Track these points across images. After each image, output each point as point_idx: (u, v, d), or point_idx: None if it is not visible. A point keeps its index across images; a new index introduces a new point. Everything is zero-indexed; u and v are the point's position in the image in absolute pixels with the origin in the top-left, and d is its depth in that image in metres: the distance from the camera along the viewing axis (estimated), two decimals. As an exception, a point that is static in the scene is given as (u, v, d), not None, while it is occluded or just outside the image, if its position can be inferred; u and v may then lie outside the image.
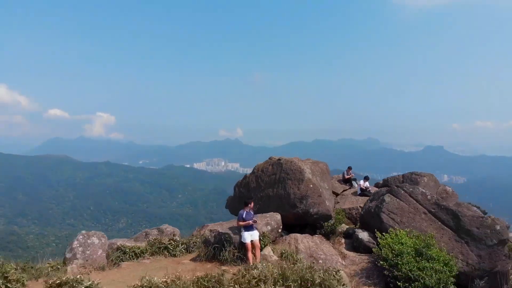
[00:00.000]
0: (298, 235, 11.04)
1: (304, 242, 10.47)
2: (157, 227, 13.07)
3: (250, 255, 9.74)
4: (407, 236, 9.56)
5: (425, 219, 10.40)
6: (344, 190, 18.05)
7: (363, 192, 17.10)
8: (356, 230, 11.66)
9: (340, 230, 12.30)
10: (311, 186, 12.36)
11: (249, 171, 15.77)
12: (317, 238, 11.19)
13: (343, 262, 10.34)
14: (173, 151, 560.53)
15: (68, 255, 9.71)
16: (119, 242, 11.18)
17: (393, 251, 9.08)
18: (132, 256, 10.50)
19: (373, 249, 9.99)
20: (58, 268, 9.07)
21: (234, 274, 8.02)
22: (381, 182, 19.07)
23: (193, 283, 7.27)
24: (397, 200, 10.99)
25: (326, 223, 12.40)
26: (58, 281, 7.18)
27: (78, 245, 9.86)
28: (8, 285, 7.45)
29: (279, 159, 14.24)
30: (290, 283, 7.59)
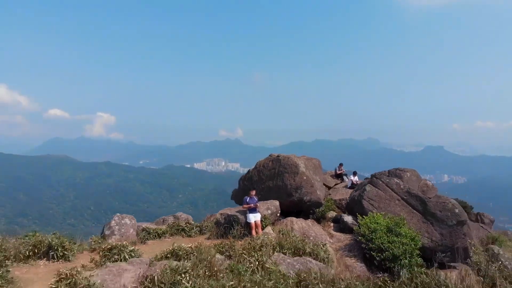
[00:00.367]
0: (294, 218, 13.09)
1: (298, 223, 12.50)
2: (173, 214, 15.07)
3: (253, 232, 11.81)
4: (382, 218, 11.58)
5: (398, 204, 12.42)
6: (336, 184, 20.14)
7: (353, 185, 19.13)
8: (343, 215, 13.70)
9: (329, 216, 14.35)
10: (305, 178, 14.46)
11: (249, 171, 17.64)
12: (309, 221, 13.23)
13: (331, 240, 12.32)
14: (173, 151, 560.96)
15: (107, 232, 11.71)
16: (144, 225, 13.17)
17: (369, 229, 11.07)
18: (155, 235, 12.47)
19: (354, 228, 12.02)
20: (99, 242, 11.06)
21: (241, 244, 10.08)
22: (369, 177, 20.96)
23: (212, 247, 9.34)
24: (376, 189, 13.02)
25: (317, 209, 14.48)
26: (109, 246, 9.24)
27: (115, 224, 11.87)
28: (65, 252, 9.46)
29: (278, 156, 16.25)
30: (286, 250, 9.66)
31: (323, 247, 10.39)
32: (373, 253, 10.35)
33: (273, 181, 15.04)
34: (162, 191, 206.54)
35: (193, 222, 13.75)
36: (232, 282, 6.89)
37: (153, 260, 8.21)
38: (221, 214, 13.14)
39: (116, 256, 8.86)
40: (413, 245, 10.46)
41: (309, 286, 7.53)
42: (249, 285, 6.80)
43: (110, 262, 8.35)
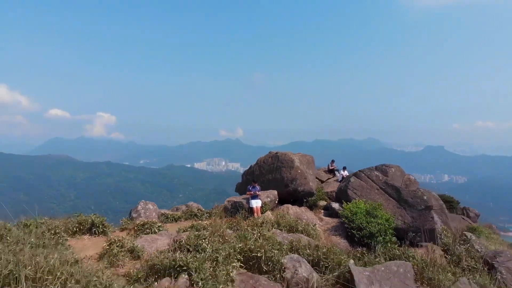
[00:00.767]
0: (289, 205, 15.34)
1: (293, 209, 14.73)
2: (185, 204, 17.30)
3: (255, 215, 14.04)
4: (363, 203, 13.78)
5: (377, 193, 14.65)
6: (328, 178, 22.42)
7: (343, 179, 21.36)
8: (331, 203, 15.96)
9: (320, 204, 16.58)
10: (299, 171, 16.76)
11: (249, 171, 19.84)
12: (303, 208, 15.46)
13: (320, 223, 14.55)
14: (173, 151, 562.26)
15: (134, 215, 13.95)
16: (162, 211, 15.46)
17: (351, 212, 13.29)
18: (172, 219, 14.68)
19: (339, 212, 14.25)
20: (128, 223, 13.27)
21: (246, 222, 12.31)
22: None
23: (223, 224, 11.59)
24: (359, 180, 15.26)
25: (310, 198, 16.76)
26: (141, 223, 11.50)
27: (141, 208, 14.13)
28: (104, 229, 11.67)
29: (276, 153, 18.62)
30: (282, 228, 11.93)
31: (313, 226, 12.64)
32: (353, 231, 12.58)
33: (272, 174, 17.36)
34: (163, 191, 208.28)
35: (203, 209, 15.98)
36: (240, 245, 9.14)
37: (178, 232, 10.44)
38: (228, 201, 15.44)
39: (147, 230, 11.14)
40: (387, 225, 12.69)
41: (299, 250, 9.78)
42: (253, 246, 9.04)
43: (143, 234, 10.60)
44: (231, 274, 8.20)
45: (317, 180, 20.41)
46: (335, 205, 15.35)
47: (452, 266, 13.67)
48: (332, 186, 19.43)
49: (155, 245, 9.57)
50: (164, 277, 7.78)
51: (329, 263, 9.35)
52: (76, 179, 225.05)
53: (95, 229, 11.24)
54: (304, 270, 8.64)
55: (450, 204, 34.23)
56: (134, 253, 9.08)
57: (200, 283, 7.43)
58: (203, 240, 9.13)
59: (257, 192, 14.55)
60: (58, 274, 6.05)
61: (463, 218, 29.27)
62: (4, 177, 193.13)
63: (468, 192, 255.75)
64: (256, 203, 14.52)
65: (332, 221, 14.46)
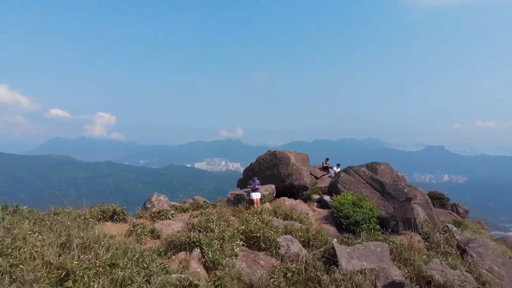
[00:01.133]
0: (286, 198, 17.07)
1: (289, 201, 16.45)
2: (192, 197, 19.02)
3: (255, 206, 15.74)
4: (351, 196, 15.50)
5: (364, 187, 16.38)
6: (322, 175, 24.17)
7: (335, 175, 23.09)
8: (324, 196, 17.70)
9: (314, 197, 18.31)
10: (295, 168, 18.51)
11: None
12: (298, 201, 17.20)
13: (313, 213, 16.27)
14: (173, 151, 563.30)
15: (148, 205, 15.67)
16: (172, 203, 17.18)
17: (340, 203, 15.01)
18: (181, 210, 16.40)
19: (330, 204, 15.98)
20: (144, 212, 14.99)
21: (247, 211, 14.07)
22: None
23: (228, 212, 13.35)
24: (348, 175, 17.00)
25: (304, 192, 18.50)
26: (157, 211, 13.26)
27: (154, 199, 15.85)
28: (125, 216, 13.38)
29: (274, 151, 20.40)
30: (278, 216, 13.68)
31: (306, 215, 14.39)
32: (341, 220, 14.33)
33: (271, 170, 19.13)
34: (163, 191, 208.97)
35: (208, 202, 17.71)
36: (242, 227, 10.90)
37: (190, 217, 12.18)
38: (231, 194, 17.21)
39: (163, 217, 12.90)
40: (370, 214, 14.43)
41: (292, 232, 11.54)
42: (253, 228, 10.81)
43: (159, 220, 12.34)
44: (235, 250, 9.98)
45: (312, 176, 22.19)
46: (327, 198, 17.10)
47: (429, 251, 15.41)
48: (325, 182, 21.17)
49: (170, 228, 11.32)
50: (181, 251, 9.55)
51: (317, 243, 11.12)
52: (76, 179, 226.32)
53: (116, 217, 12.97)
54: (296, 247, 10.41)
55: (441, 200, 35.99)
56: (154, 234, 10.85)
57: (210, 255, 9.20)
58: (212, 223, 10.89)
59: (256, 185, 16.28)
60: (102, 243, 7.81)
61: (450, 213, 31.05)
62: (5, 177, 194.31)
63: (468, 192, 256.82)
64: (256, 196, 16.20)
65: (324, 212, 16.20)
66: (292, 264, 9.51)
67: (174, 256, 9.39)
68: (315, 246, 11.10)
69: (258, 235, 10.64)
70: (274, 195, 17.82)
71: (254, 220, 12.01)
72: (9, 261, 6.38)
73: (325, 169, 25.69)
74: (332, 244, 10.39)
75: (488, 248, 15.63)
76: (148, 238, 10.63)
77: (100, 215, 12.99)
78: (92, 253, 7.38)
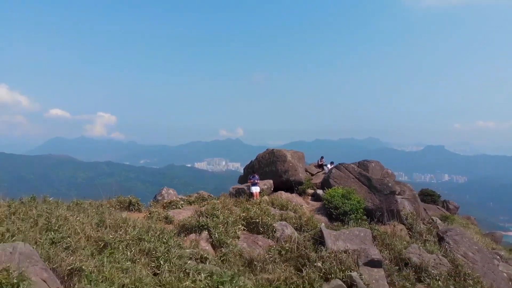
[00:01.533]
0: (283, 192, 18.80)
1: (285, 194, 18.15)
2: (196, 192, 20.69)
3: (255, 198, 17.41)
4: (341, 189, 17.20)
5: (353, 181, 18.07)
6: (317, 172, 25.90)
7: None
8: (317, 190, 19.41)
9: (309, 191, 20.02)
10: (291, 164, 20.25)
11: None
12: (293, 194, 18.90)
13: (307, 205, 17.96)
14: (174, 150, 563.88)
15: (159, 198, 17.35)
16: (180, 196, 18.87)
17: (330, 196, 16.71)
18: (188, 202, 18.09)
19: (322, 197, 17.68)
20: (156, 203, 16.67)
21: (247, 203, 15.80)
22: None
23: (231, 202, 15.06)
24: (339, 171, 18.71)
25: (300, 186, 20.21)
26: (168, 201, 14.98)
27: (164, 192, 17.54)
28: (139, 207, 15.06)
29: (272, 150, 22.25)
30: (275, 206, 15.41)
31: (300, 207, 16.10)
32: (332, 210, 16.04)
33: (269, 167, 20.91)
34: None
35: (212, 195, 19.40)
36: (243, 214, 12.61)
37: (198, 206, 13.90)
38: (233, 188, 18.94)
39: (173, 207, 14.60)
40: (358, 206, 16.15)
41: (287, 219, 13.27)
42: (253, 215, 12.53)
43: (170, 209, 14.05)
44: (237, 233, 11.72)
45: (308, 173, 23.95)
46: (320, 192, 18.80)
47: (412, 239, 17.12)
48: (320, 178, 22.85)
49: (181, 215, 13.03)
50: (191, 233, 11.27)
51: (308, 228, 12.86)
52: (77, 179, 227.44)
53: (132, 207, 14.68)
54: (289, 231, 12.13)
55: (432, 197, 37.77)
56: (167, 219, 12.57)
57: (216, 236, 10.93)
58: (217, 211, 12.62)
59: (256, 180, 17.98)
60: (129, 223, 9.54)
61: (439, 208, 32.81)
62: (5, 177, 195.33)
63: (468, 191, 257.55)
64: (255, 189, 17.83)
65: (317, 204, 17.89)
66: (285, 244, 11.24)
67: (186, 237, 11.10)
68: (306, 230, 12.83)
69: (257, 221, 12.37)
70: (272, 189, 19.55)
71: (253, 209, 13.72)
72: (59, 235, 8.08)
73: (320, 166, 27.38)
74: (321, 228, 12.11)
75: (464, 236, 17.29)
76: (162, 223, 12.33)
77: (118, 206, 14.68)
78: (122, 230, 9.10)
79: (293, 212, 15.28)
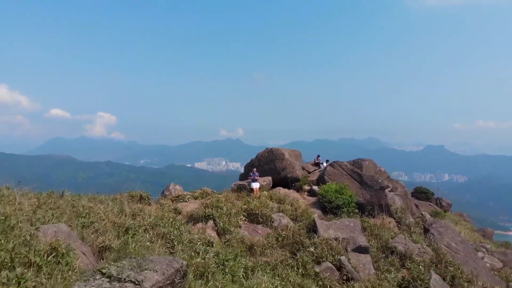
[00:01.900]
0: (281, 187, 20.20)
1: (283, 190, 19.53)
2: (200, 188, 22.05)
3: (255, 193, 18.80)
4: (335, 185, 18.59)
5: (346, 177, 19.46)
6: (314, 170, 27.31)
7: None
8: (313, 186, 20.80)
9: (305, 188, 21.42)
10: (288, 162, 21.67)
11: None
12: (291, 190, 20.29)
13: (303, 200, 19.33)
14: (174, 150, 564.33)
15: (166, 193, 18.71)
16: (185, 192, 20.27)
17: (325, 191, 18.09)
18: (193, 197, 19.50)
19: (317, 192, 19.06)
20: (163, 198, 18.05)
21: (248, 197, 17.21)
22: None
23: (233, 196, 16.46)
24: (333, 169, 20.11)
25: (297, 183, 21.61)
26: (176, 195, 16.38)
27: (171, 188, 18.89)
28: (149, 200, 16.44)
29: (271, 149, 23.72)
30: (274, 200, 16.81)
31: (297, 201, 17.52)
32: (325, 204, 17.44)
33: (268, 165, 22.34)
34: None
35: (215, 191, 20.80)
36: (244, 206, 14.02)
37: (203, 199, 15.33)
38: (234, 184, 20.35)
39: (181, 200, 16.00)
40: (350, 200, 17.55)
41: (283, 211, 14.67)
42: (253, 206, 13.93)
43: (178, 202, 15.45)
44: (239, 222, 13.13)
45: (305, 171, 25.39)
46: (315, 188, 20.19)
47: (400, 231, 18.52)
48: (316, 176, 24.23)
49: (188, 207, 14.44)
50: (199, 222, 12.67)
51: (303, 219, 14.26)
52: (77, 179, 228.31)
53: (142, 201, 16.07)
54: (286, 221, 13.53)
55: (426, 194, 39.26)
56: (177, 211, 13.97)
57: (221, 224, 12.33)
58: (221, 203, 14.03)
59: (256, 177, 19.36)
60: (146, 211, 10.94)
61: (430, 205, 34.27)
62: (5, 177, 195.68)
63: (469, 191, 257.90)
64: (255, 185, 19.19)
65: (312, 199, 19.28)
66: (282, 232, 12.64)
67: (193, 226, 12.50)
68: (301, 220, 14.25)
69: (257, 212, 13.78)
70: (271, 185, 20.96)
71: (254, 202, 15.13)
72: (88, 220, 9.49)
73: (317, 165, 28.75)
74: (314, 218, 13.51)
75: (448, 228, 18.68)
76: (172, 214, 13.72)
77: (129, 200, 16.05)
78: (140, 217, 10.50)
79: (290, 206, 16.66)
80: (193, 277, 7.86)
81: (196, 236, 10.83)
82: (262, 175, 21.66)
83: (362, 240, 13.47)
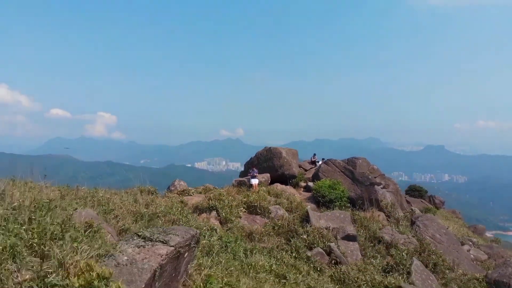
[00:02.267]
0: (278, 184, 21.66)
1: (280, 186, 20.96)
2: (202, 185, 23.52)
3: (253, 190, 20.23)
4: (328, 181, 20.01)
5: (339, 174, 20.90)
6: (311, 168, 28.80)
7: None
8: (309, 183, 22.26)
9: (301, 184, 22.88)
10: (286, 160, 23.16)
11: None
12: (288, 186, 21.75)
13: (299, 195, 20.76)
14: (174, 150, 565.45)
15: (172, 188, 20.17)
16: (189, 188, 21.76)
17: (319, 186, 19.53)
18: (196, 192, 20.96)
19: (311, 187, 20.49)
20: (169, 192, 19.48)
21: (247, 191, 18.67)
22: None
23: (234, 191, 17.98)
24: (327, 166, 21.56)
25: (293, 180, 23.10)
26: (182, 189, 17.83)
27: (176, 183, 20.33)
28: (157, 195, 17.87)
29: (270, 147, 25.26)
30: (271, 195, 18.27)
31: (293, 196, 18.96)
32: (319, 198, 18.89)
33: (267, 163, 23.86)
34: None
35: (217, 187, 22.26)
36: (244, 199, 15.47)
37: (207, 193, 16.79)
38: (235, 180, 21.83)
39: (186, 194, 17.46)
40: (342, 195, 19.00)
41: (280, 204, 16.12)
42: (252, 199, 15.37)
43: (184, 196, 16.91)
44: (240, 213, 14.56)
45: (302, 169, 26.93)
46: (310, 184, 21.67)
47: (388, 223, 19.96)
48: (312, 173, 25.72)
49: (193, 200, 15.89)
50: (203, 213, 14.11)
51: (298, 210, 15.70)
52: (77, 179, 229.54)
53: (151, 194, 17.50)
54: (282, 212, 14.99)
55: (419, 192, 40.78)
56: (183, 203, 15.40)
57: (223, 215, 13.76)
58: (223, 197, 15.48)
59: (255, 173, 20.82)
60: (157, 202, 12.38)
61: (422, 201, 35.77)
62: (5, 177, 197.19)
63: (469, 191, 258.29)
64: (254, 181, 20.62)
65: (308, 194, 20.74)
66: (278, 222, 14.08)
67: (198, 216, 13.94)
68: (296, 212, 15.71)
69: (255, 204, 15.23)
70: (269, 181, 22.44)
71: (253, 195, 16.59)
72: (108, 207, 10.93)
73: (313, 163, 30.21)
74: (307, 210, 14.95)
75: (433, 221, 20.10)
76: (180, 204, 15.16)
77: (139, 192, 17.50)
78: (152, 206, 11.94)
79: (286, 199, 18.11)
80: (201, 254, 9.27)
81: (201, 223, 12.25)
82: (261, 172, 23.14)
83: (351, 230, 14.90)
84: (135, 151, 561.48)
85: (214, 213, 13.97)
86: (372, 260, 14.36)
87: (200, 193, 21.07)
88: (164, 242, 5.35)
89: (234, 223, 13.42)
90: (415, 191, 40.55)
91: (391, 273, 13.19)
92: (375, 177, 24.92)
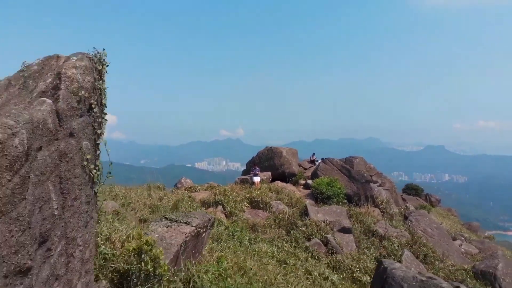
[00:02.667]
0: (279, 181, 22.92)
1: (281, 184, 22.18)
2: (206, 182, 24.77)
3: (255, 187, 21.48)
4: (326, 178, 21.25)
5: (336, 172, 22.14)
6: (310, 167, 30.05)
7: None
8: (308, 180, 23.52)
9: (301, 182, 24.13)
10: (286, 159, 24.44)
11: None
12: (288, 184, 23.00)
13: (299, 192, 22.00)
14: (174, 150, 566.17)
15: (179, 185, 21.41)
16: (195, 185, 23.01)
17: (317, 183, 20.75)
18: (202, 189, 22.19)
19: (310, 184, 21.73)
20: (176, 189, 20.71)
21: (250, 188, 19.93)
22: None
23: (238, 187, 19.21)
24: (325, 165, 22.81)
25: (293, 178, 24.35)
26: (189, 186, 19.06)
27: (183, 181, 21.59)
28: (164, 189, 19.13)
29: (271, 147, 26.54)
30: (272, 192, 19.51)
31: (293, 193, 20.19)
32: (318, 195, 20.14)
33: (268, 162, 25.13)
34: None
35: (221, 185, 23.50)
36: (247, 195, 16.69)
37: (212, 190, 18.05)
38: (238, 178, 23.09)
39: (193, 190, 18.70)
40: (339, 191, 20.23)
41: (281, 199, 17.34)
42: (255, 195, 16.60)
43: (191, 192, 18.15)
44: (243, 208, 15.78)
45: (301, 168, 28.22)
46: (309, 181, 22.91)
47: (383, 218, 21.18)
48: (311, 172, 26.97)
49: (200, 196, 17.13)
50: (210, 207, 15.33)
51: (297, 205, 16.92)
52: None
53: (160, 191, 18.74)
54: (282, 207, 16.22)
55: (416, 191, 41.98)
56: (191, 198, 16.61)
57: (228, 209, 14.99)
58: (228, 193, 16.71)
59: (257, 172, 22.06)
60: (169, 196, 13.60)
61: (418, 199, 36.99)
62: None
63: (469, 191, 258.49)
64: (256, 179, 21.87)
65: (307, 191, 21.98)
66: (279, 215, 15.31)
67: (205, 210, 15.16)
68: (295, 207, 16.94)
69: (258, 200, 16.46)
70: (270, 179, 23.71)
71: (255, 191, 17.83)
72: (126, 201, 12.15)
73: (312, 162, 31.46)
74: (306, 204, 16.17)
75: (425, 216, 21.30)
76: (189, 199, 16.40)
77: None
78: (164, 200, 13.17)
79: (286, 196, 19.34)
80: (211, 241, 10.49)
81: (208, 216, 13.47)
82: (262, 170, 24.38)
83: (346, 223, 16.12)
84: (135, 151, 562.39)
85: (220, 207, 15.19)
86: (366, 250, 15.56)
87: (206, 190, 22.32)
88: (187, 223, 6.57)
89: (238, 216, 14.64)
90: (411, 190, 41.72)
91: (382, 261, 14.40)
92: (371, 176, 26.15)
